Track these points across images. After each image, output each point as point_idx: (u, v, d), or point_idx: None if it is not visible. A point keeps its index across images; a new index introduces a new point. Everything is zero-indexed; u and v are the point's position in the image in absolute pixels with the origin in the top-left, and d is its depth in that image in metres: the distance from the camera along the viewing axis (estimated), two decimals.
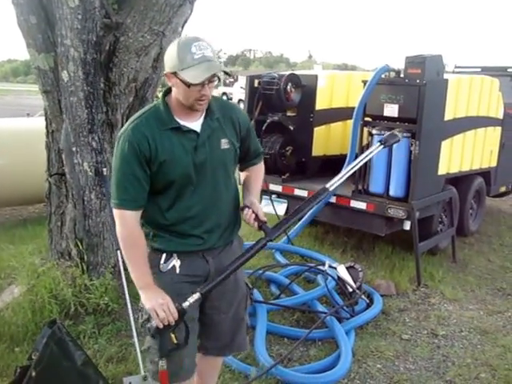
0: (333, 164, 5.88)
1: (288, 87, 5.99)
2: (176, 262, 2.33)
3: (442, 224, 6.20)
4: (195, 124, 2.28)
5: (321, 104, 6.27)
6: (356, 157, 5.41)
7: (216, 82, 2.22)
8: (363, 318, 4.20)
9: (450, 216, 6.15)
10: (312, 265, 4.84)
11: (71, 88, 3.95)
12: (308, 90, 6.18)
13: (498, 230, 7.48)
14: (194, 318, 2.40)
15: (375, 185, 5.44)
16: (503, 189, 7.75)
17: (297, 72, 6.53)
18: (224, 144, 2.33)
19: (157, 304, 2.15)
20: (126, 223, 2.23)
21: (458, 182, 6.38)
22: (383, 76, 5.36)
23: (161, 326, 2.15)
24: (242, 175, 2.62)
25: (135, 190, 2.22)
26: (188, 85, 2.12)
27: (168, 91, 2.28)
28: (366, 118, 5.52)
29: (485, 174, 6.98)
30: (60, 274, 3.95)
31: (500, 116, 6.76)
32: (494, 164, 6.99)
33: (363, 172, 5.49)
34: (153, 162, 2.21)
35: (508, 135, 7.07)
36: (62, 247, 4.24)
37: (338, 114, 6.45)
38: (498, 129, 6.83)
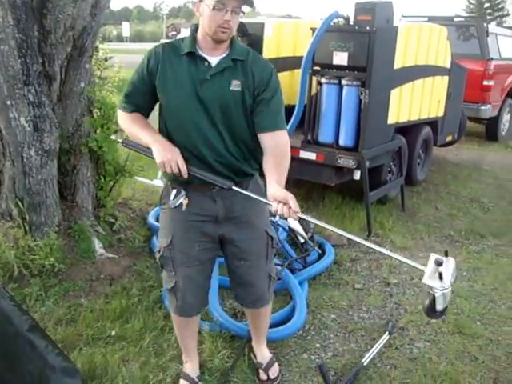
0: None
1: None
2: (184, 200, 2.43)
3: (391, 173, 6.23)
4: (213, 59, 2.31)
5: (268, 53, 6.08)
6: (305, 107, 5.32)
7: (240, 15, 2.29)
8: (316, 269, 4.17)
9: (399, 165, 6.17)
10: None
11: (1, 35, 3.63)
12: (254, 38, 5.98)
13: (445, 179, 7.59)
14: (204, 259, 2.60)
15: (325, 135, 5.37)
16: (450, 138, 7.83)
17: (243, 20, 6.31)
18: (235, 86, 2.31)
19: (166, 158, 2.25)
20: (122, 122, 2.49)
21: (406, 131, 6.37)
22: (332, 23, 5.22)
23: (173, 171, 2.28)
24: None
25: (134, 98, 2.42)
26: (213, 7, 2.18)
27: (196, 28, 2.35)
28: (315, 67, 5.40)
29: (432, 123, 7.00)
30: (1, 236, 3.73)
31: (447, 65, 6.75)
32: (441, 114, 7.02)
33: (312, 122, 5.40)
34: (157, 79, 2.33)
35: (455, 85, 7.10)
36: (2, 208, 3.99)
37: (286, 64, 6.28)
38: (446, 78, 6.82)
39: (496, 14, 58.47)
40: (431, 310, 1.93)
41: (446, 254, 1.90)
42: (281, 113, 2.44)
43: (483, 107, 9.87)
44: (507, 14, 59.04)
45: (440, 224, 5.73)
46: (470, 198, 6.80)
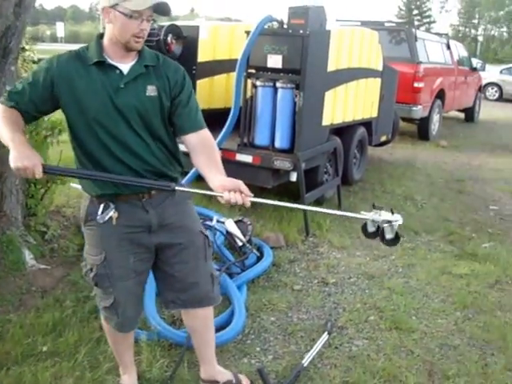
0: (217, 117, 5.72)
1: (168, 38, 5.71)
2: (113, 214, 2.34)
3: (328, 174, 6.30)
4: (124, 66, 2.25)
5: (203, 56, 6.08)
6: (240, 110, 5.31)
7: (151, 23, 2.25)
8: (254, 272, 4.17)
9: (334, 166, 6.26)
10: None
11: None
12: (190, 41, 5.95)
13: (380, 178, 7.76)
14: (141, 270, 2.54)
15: (260, 137, 5.39)
16: (384, 138, 8.02)
17: (178, 23, 6.26)
18: (151, 91, 2.27)
19: (21, 165, 2.06)
20: None
21: (341, 132, 6.48)
22: (266, 26, 5.25)
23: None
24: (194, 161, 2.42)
25: (19, 97, 2.24)
26: (129, 15, 2.12)
27: (101, 36, 2.27)
28: (250, 70, 5.40)
29: (367, 124, 7.14)
30: None
31: (380, 68, 6.90)
32: (374, 114, 7.17)
33: (248, 125, 5.41)
34: (62, 94, 2.23)
35: (387, 87, 7.27)
36: None
37: (222, 67, 6.29)
38: (378, 80, 6.97)
39: (424, 20, 60.97)
40: (384, 240, 2.26)
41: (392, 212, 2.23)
42: (199, 111, 2.45)
43: (414, 108, 10.19)
44: (434, 21, 61.82)
45: None
46: (404, 195, 6.98)
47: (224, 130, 5.10)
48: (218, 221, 4.54)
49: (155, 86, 2.27)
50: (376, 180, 7.64)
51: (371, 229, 2.35)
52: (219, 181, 2.23)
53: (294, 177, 5.30)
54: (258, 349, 3.34)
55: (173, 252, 2.54)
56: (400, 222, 2.18)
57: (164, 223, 2.47)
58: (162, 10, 2.23)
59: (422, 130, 11.18)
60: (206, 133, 2.41)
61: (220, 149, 5.33)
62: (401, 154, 9.69)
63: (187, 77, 2.43)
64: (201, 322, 2.77)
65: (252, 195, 2.20)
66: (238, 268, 4.15)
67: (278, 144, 5.32)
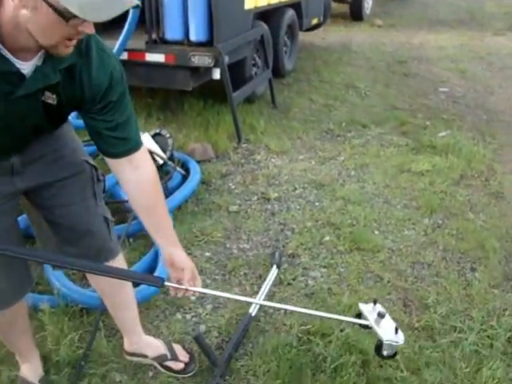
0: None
1: None
2: None
3: (257, 67, 5.46)
4: (25, 65, 1.37)
5: None
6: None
7: None
8: (180, 196, 3.37)
9: (264, 56, 5.41)
10: None
11: None
12: None
13: (315, 66, 6.94)
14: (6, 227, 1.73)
15: (172, 30, 4.42)
16: (315, 21, 7.22)
17: None
18: (48, 98, 1.46)
19: None
20: None
21: (268, 17, 5.62)
22: None
23: None
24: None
25: None
26: (68, 18, 1.20)
27: None
28: None
29: (296, 6, 6.32)
30: None
31: None
32: None
33: (155, 17, 4.40)
34: None
35: None
36: None
37: None
38: None
39: None
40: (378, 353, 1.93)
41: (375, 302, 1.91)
42: (131, 122, 1.62)
43: None
44: None
45: (317, 118, 5.10)
46: (344, 84, 6.22)
47: (126, 26, 4.03)
48: None
49: (60, 93, 1.47)
50: (311, 69, 6.82)
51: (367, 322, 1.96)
52: (182, 258, 1.73)
53: (217, 74, 4.41)
54: (192, 298, 2.61)
55: (50, 193, 1.77)
56: (401, 342, 1.87)
57: (31, 158, 1.67)
58: None
59: (354, 10, 10.42)
60: (142, 158, 1.68)
61: (125, 50, 4.37)
62: (334, 37, 8.84)
63: (117, 74, 1.54)
64: (107, 281, 1.96)
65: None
66: None
67: (193, 37, 4.36)
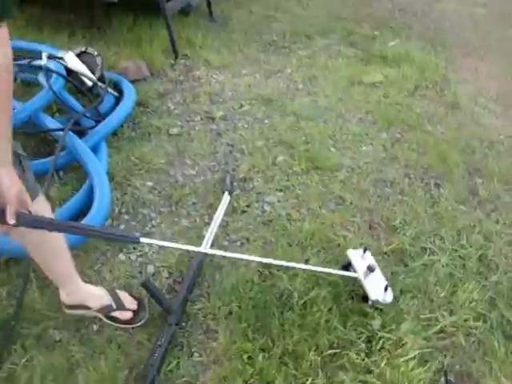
0: None
1: None
2: None
3: None
4: None
5: None
6: None
7: None
8: (114, 120, 2.96)
9: None
10: (23, 61, 3.25)
11: None
12: None
13: None
14: None
15: None
16: None
17: None
18: None
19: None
20: None
21: None
22: None
23: None
24: None
25: None
26: None
27: None
28: None
29: None
30: None
31: None
32: None
33: None
34: None
35: None
36: None
37: None
38: None
39: None
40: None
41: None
42: None
43: None
44: None
45: (258, 29, 4.67)
46: None
47: None
48: (50, 57, 3.15)
49: None
50: None
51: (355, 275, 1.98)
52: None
53: None
54: (137, 234, 2.30)
55: None
56: (388, 301, 1.91)
57: None
58: None
59: None
60: None
61: None
62: None
63: None
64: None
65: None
66: (91, 120, 2.93)
67: None
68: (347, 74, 3.84)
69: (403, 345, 1.84)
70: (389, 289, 1.91)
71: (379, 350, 1.82)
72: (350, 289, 2.04)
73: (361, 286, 1.97)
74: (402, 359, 1.78)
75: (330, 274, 2.05)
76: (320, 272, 2.03)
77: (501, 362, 1.86)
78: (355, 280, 1.99)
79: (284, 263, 1.95)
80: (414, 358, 1.79)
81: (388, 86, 3.70)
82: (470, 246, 2.34)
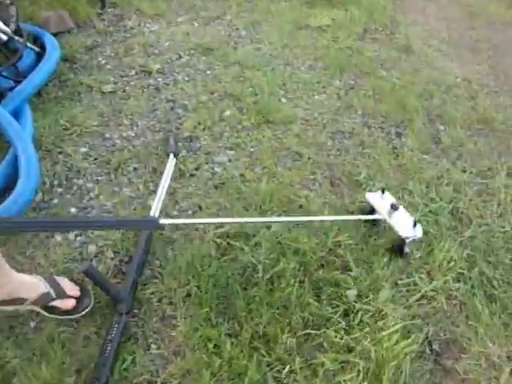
0: None
1: None
2: None
3: None
4: None
5: None
6: None
7: None
8: (37, 79, 2.59)
9: None
10: None
11: None
12: None
13: None
14: None
15: None
16: None
17: None
18: None
19: None
20: None
21: None
22: None
23: None
24: None
25: None
26: None
27: None
28: None
29: None
30: None
31: None
32: None
33: None
34: None
35: None
36: None
37: None
38: None
39: None
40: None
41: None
42: None
43: None
44: None
45: None
46: None
47: None
48: None
49: None
50: None
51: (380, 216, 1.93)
52: None
53: None
54: (73, 210, 2.02)
55: None
56: (419, 236, 1.85)
57: None
58: None
59: None
60: None
61: None
62: None
63: None
64: None
65: None
66: (9, 80, 2.56)
67: None
68: (292, 18, 3.57)
69: (383, 316, 1.67)
70: (418, 224, 1.82)
71: (358, 325, 1.64)
72: (320, 255, 1.84)
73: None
74: (384, 333, 1.61)
75: (296, 241, 1.84)
76: (344, 220, 1.97)
77: (485, 325, 1.71)
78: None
79: (304, 218, 1.95)
80: (396, 331, 1.61)
81: (336, 29, 3.45)
82: (441, 199, 2.18)
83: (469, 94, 2.98)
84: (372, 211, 1.97)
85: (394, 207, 1.84)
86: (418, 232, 1.84)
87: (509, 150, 2.53)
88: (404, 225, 1.84)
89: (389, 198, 1.94)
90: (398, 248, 1.87)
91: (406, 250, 1.86)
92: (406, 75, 3.07)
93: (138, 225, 1.64)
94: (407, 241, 1.82)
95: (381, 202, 1.93)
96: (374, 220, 1.96)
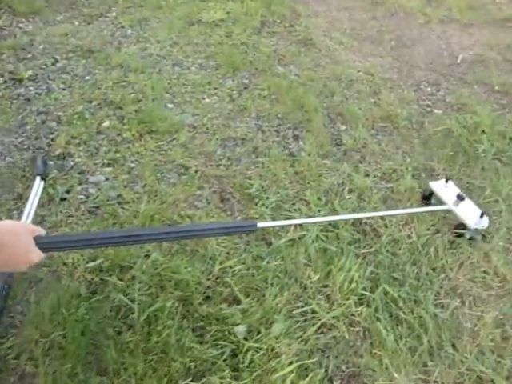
0: None
1: None
2: None
3: None
4: None
5: None
6: None
7: None
8: None
9: None
10: None
11: None
12: None
13: None
14: None
15: None
16: None
17: None
18: None
19: None
20: None
21: None
22: None
23: None
24: None
25: None
26: None
27: None
28: None
29: None
30: None
31: None
32: None
33: None
34: None
35: None
36: None
37: None
38: None
39: None
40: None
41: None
42: None
43: None
44: None
45: None
46: None
47: None
48: None
49: None
50: None
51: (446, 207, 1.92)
52: None
53: None
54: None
55: None
56: (486, 226, 1.86)
57: None
58: None
59: None
60: None
61: None
62: None
63: None
64: None
65: None
66: None
67: None
68: (184, 13, 3.30)
69: (276, 355, 1.44)
70: (484, 215, 1.83)
71: (248, 367, 1.41)
72: (206, 285, 1.60)
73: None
74: (277, 375, 1.38)
75: (178, 270, 1.59)
76: (408, 213, 1.96)
77: (391, 352, 1.52)
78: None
79: (367, 214, 1.93)
80: (291, 371, 1.39)
81: (231, 23, 3.21)
82: (342, 207, 1.98)
83: (371, 89, 2.81)
84: (430, 196, 2.01)
85: (460, 197, 1.83)
86: (485, 222, 1.83)
87: (413, 149, 2.37)
88: (471, 215, 1.84)
89: (453, 188, 1.94)
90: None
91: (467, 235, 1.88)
92: (306, 71, 2.86)
93: (238, 229, 1.53)
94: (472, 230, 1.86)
95: (446, 191, 1.93)
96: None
